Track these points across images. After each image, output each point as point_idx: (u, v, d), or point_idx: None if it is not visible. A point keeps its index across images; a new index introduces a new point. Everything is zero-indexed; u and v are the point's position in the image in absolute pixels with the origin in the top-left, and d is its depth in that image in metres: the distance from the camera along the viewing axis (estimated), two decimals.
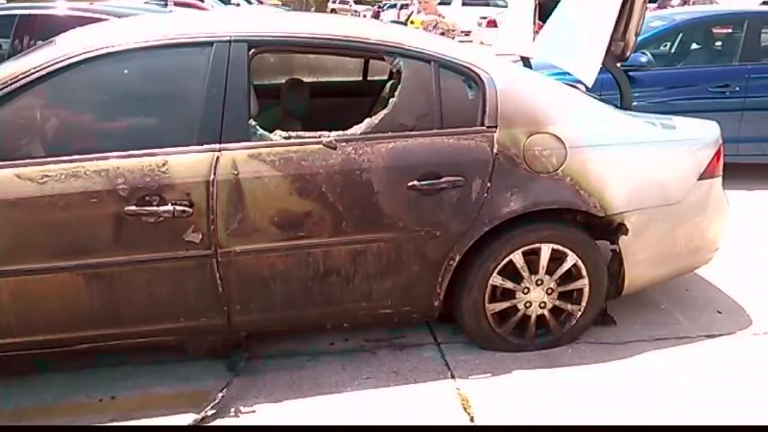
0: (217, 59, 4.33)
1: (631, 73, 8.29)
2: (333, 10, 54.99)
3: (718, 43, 10.57)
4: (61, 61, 4.21)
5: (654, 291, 5.87)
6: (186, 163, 4.18)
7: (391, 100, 4.58)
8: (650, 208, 4.89)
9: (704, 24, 10.43)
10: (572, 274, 4.92)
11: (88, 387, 4.59)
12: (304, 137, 4.41)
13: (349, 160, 4.36)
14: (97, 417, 4.30)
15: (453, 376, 4.73)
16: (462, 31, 36.09)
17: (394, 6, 49.76)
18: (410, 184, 4.40)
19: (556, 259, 4.86)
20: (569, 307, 5.02)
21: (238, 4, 27.49)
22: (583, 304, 5.01)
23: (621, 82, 5.41)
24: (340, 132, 4.46)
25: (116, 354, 4.77)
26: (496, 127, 4.57)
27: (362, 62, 6.90)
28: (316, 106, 5.72)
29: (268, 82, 6.37)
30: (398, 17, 43.30)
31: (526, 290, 4.89)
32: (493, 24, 30.08)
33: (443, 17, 37.66)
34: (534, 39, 6.29)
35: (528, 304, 4.95)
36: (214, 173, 4.17)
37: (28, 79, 4.16)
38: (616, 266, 5.02)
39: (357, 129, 4.49)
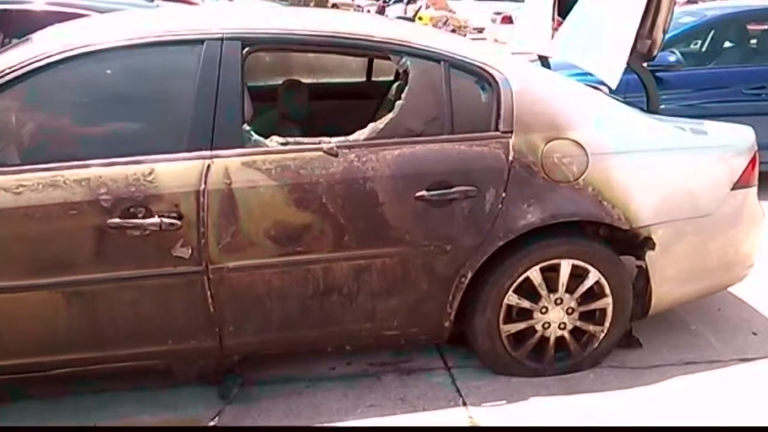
0: (208, 58, 4.31)
1: (658, 74, 8.21)
2: (334, 5, 55.04)
3: (754, 41, 10.50)
4: (38, 61, 4.19)
5: (683, 311, 5.85)
6: (174, 171, 4.17)
7: (397, 102, 4.57)
8: (679, 221, 4.88)
9: (738, 20, 10.36)
10: (594, 293, 4.90)
11: (66, 415, 4.59)
12: (303, 143, 4.40)
13: (351, 169, 4.35)
14: None
15: (465, 404, 4.73)
16: (475, 28, 36.08)
17: (400, 1, 49.75)
18: (418, 194, 4.40)
19: (577, 276, 4.84)
20: (591, 328, 5.00)
21: None
22: (607, 324, 4.99)
23: (647, 84, 5.40)
24: (342, 138, 4.45)
25: (97, 380, 4.75)
26: (511, 132, 4.56)
27: (366, 62, 6.90)
28: (316, 109, 5.74)
29: (263, 83, 6.36)
30: (405, 13, 43.26)
31: (544, 310, 4.88)
32: (508, 20, 30.11)
33: (454, 13, 37.66)
34: (553, 36, 6.30)
35: (546, 325, 4.93)
36: (205, 182, 4.16)
37: (3, 80, 4.15)
38: (643, 284, 4.99)
39: (360, 134, 4.48)
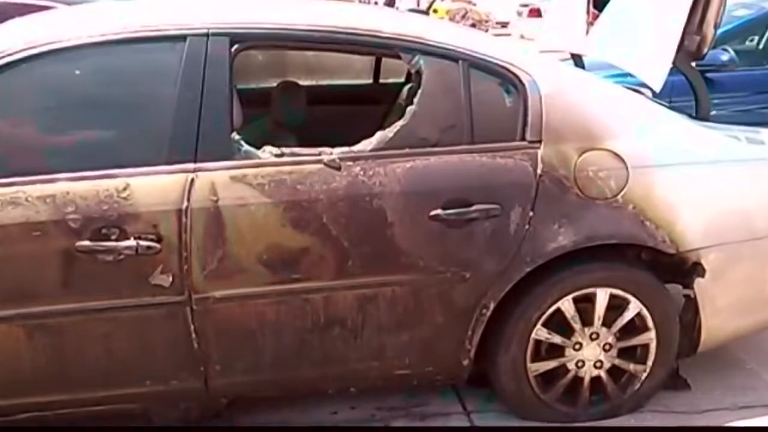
0: (192, 57, 4.28)
1: (708, 75, 8.22)
2: None
3: None
4: None
5: (738, 347, 5.82)
6: (152, 187, 4.13)
7: (408, 108, 4.53)
8: (733, 243, 4.84)
9: None
10: (635, 326, 4.87)
11: None
12: (301, 155, 4.37)
13: (356, 184, 4.32)
14: None
15: None
16: (498, 23, 36.28)
17: None
18: (433, 213, 4.36)
19: (616, 307, 4.81)
20: (632, 367, 4.97)
21: None
22: (649, 363, 4.96)
23: (696, 86, 5.38)
24: (345, 148, 4.42)
25: (65, 426, 4.71)
26: (540, 142, 4.53)
27: (373, 61, 6.91)
28: (316, 115, 5.72)
29: (255, 85, 6.37)
30: (418, 5, 43.54)
31: (577, 346, 4.84)
32: (536, 13, 30.30)
33: (474, 5, 37.83)
34: (587, 32, 6.29)
35: (580, 364, 4.90)
36: (188, 200, 4.13)
37: None
38: (691, 316, 4.95)
39: (366, 144, 4.45)
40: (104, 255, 4.06)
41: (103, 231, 4.05)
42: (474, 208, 4.40)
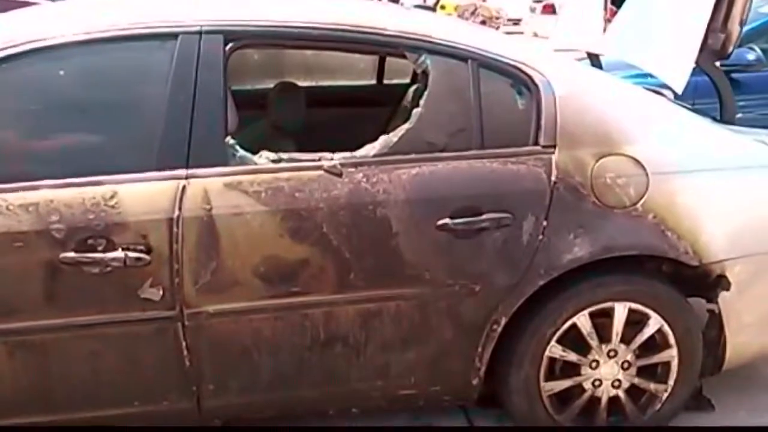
0: (183, 56, 4.25)
1: (734, 75, 8.19)
2: None
3: None
4: None
5: (765, 365, 5.79)
6: (142, 194, 4.10)
7: (414, 111, 4.51)
8: (760, 255, 4.81)
9: None
10: (656, 343, 4.84)
11: None
12: (299, 160, 4.35)
13: (358, 191, 4.29)
14: None
15: None
16: (509, 19, 36.26)
17: None
18: (440, 222, 4.33)
19: (635, 322, 4.78)
20: (652, 386, 4.93)
21: None
22: (671, 382, 4.92)
23: (721, 87, 5.37)
24: (347, 153, 4.39)
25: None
26: (554, 146, 4.50)
27: (376, 61, 6.89)
28: (315, 118, 5.71)
29: (251, 86, 6.35)
30: (424, 1, 43.50)
31: (594, 364, 4.81)
32: (550, 10, 30.33)
33: (484, 1, 37.80)
34: (605, 30, 6.27)
35: (597, 383, 4.86)
36: (179, 208, 4.10)
37: None
38: (715, 332, 4.92)
39: (369, 149, 4.42)
40: (90, 267, 4.02)
41: (89, 241, 4.02)
42: (484, 217, 4.37)
